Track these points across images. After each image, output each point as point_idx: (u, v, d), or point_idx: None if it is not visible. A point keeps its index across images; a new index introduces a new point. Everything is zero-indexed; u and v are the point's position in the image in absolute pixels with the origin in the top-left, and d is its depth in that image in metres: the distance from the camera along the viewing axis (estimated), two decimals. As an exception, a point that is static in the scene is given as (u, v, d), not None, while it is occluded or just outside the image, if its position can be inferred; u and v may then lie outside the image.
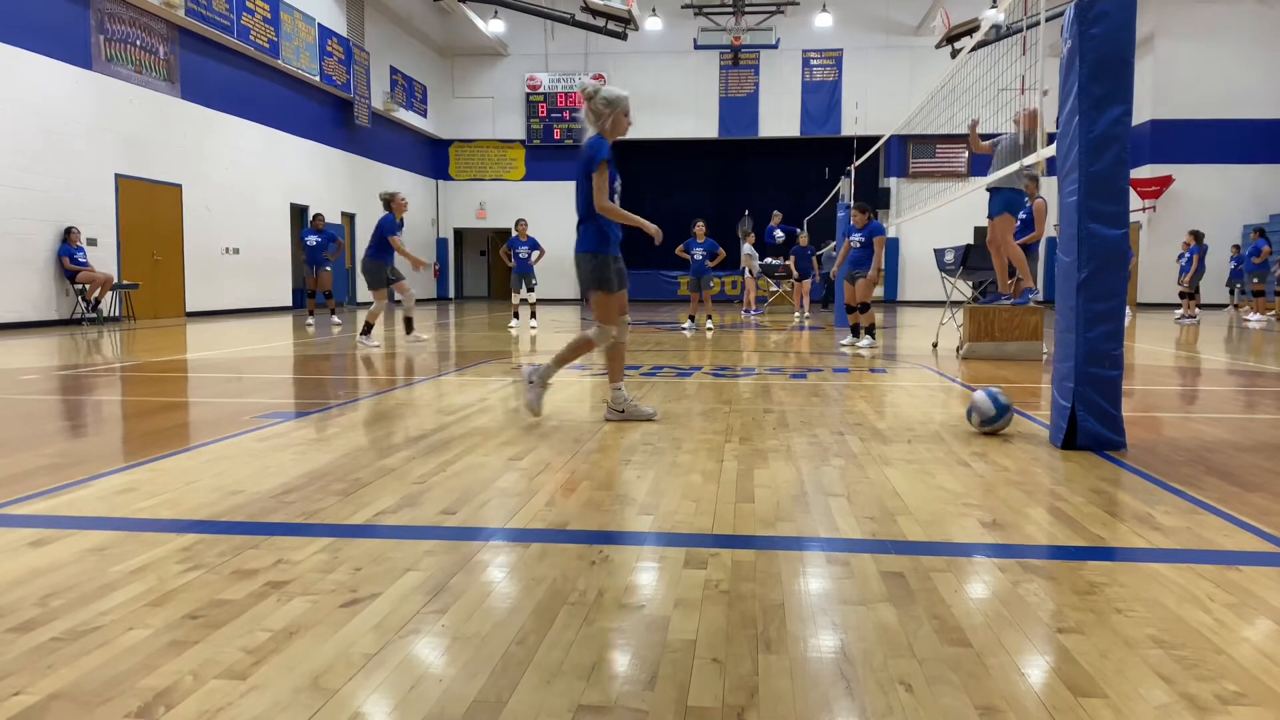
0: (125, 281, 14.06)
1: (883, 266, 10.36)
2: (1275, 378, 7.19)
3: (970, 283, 9.91)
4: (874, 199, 23.60)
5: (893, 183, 25.88)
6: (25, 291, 12.34)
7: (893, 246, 25.22)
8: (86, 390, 6.13)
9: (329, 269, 14.32)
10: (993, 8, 17.73)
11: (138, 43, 14.31)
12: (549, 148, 26.68)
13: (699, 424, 4.60)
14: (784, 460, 3.69)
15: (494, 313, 18.66)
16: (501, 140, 27.02)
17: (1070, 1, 3.86)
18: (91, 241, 13.37)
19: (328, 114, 20.52)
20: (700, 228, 13.16)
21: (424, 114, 25.59)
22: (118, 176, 13.96)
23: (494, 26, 24.46)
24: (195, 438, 4.24)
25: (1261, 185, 22.61)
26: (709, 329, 12.52)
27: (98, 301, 13.12)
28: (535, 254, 12.91)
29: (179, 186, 15.46)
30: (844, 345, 9.78)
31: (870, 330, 9.79)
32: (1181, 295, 16.96)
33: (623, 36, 21.56)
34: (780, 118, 25.78)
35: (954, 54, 20.85)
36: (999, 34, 8.01)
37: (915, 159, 25.60)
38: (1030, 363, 7.92)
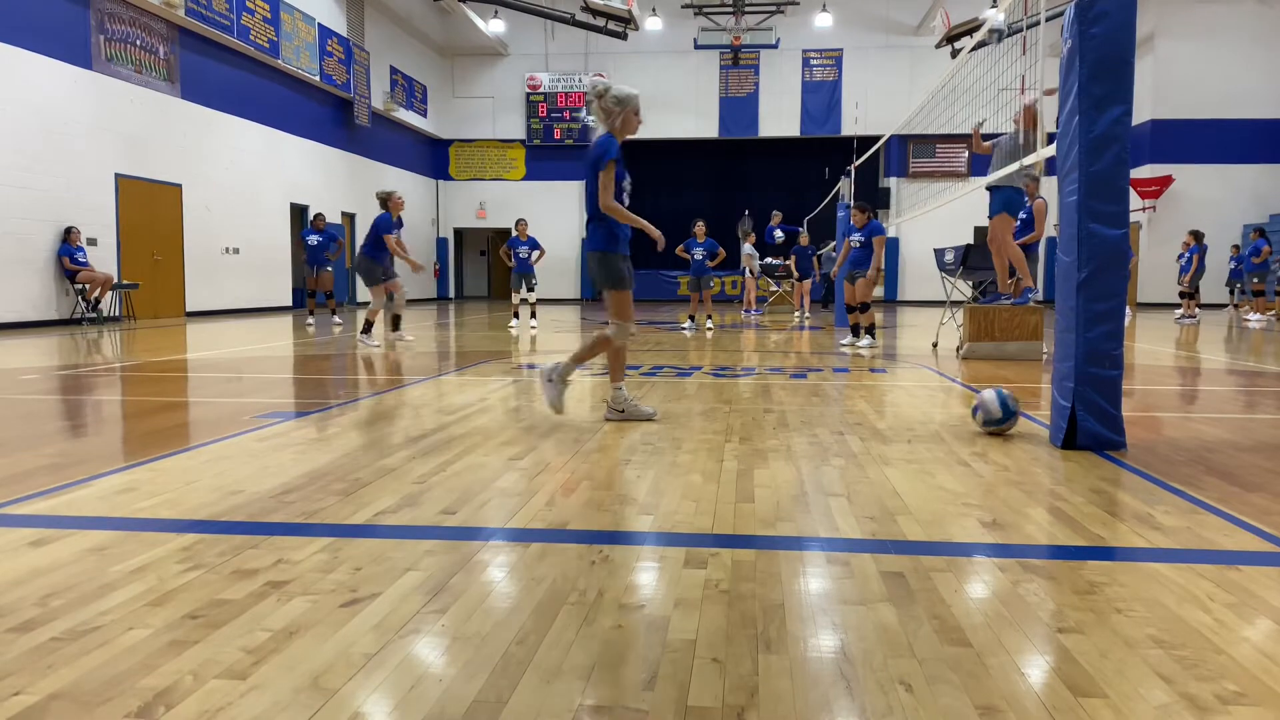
0: (125, 281, 14.07)
1: (882, 266, 10.36)
2: (1275, 378, 7.19)
3: (970, 282, 9.91)
4: (874, 199, 23.58)
5: (893, 183, 25.88)
6: (25, 291, 12.33)
7: (893, 246, 25.22)
8: (86, 390, 6.13)
9: (330, 269, 14.32)
10: (993, 7, 17.73)
11: (138, 42, 14.31)
12: (549, 148, 26.68)
13: (699, 424, 4.60)
14: (784, 460, 3.69)
15: (494, 313, 18.66)
16: (501, 140, 27.02)
17: (1070, 1, 3.86)
18: (91, 241, 13.37)
19: (328, 114, 20.52)
20: (700, 227, 13.16)
21: (424, 114, 25.59)
22: (118, 176, 13.96)
23: (494, 26, 24.46)
24: (195, 438, 4.24)
25: (1261, 185, 22.61)
26: (709, 329, 12.52)
27: (98, 301, 13.12)
28: (535, 254, 12.91)
29: (179, 186, 15.46)
30: (844, 345, 9.78)
31: (870, 330, 9.79)
32: (1181, 295, 16.96)
33: (623, 36, 21.55)
34: (780, 118, 25.78)
35: (954, 54, 20.84)
36: (1000, 38, 8.02)
37: (915, 159, 25.60)
38: (1030, 362, 7.92)
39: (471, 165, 27.33)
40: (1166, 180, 22.90)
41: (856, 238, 9.78)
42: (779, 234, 17.98)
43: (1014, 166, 7.10)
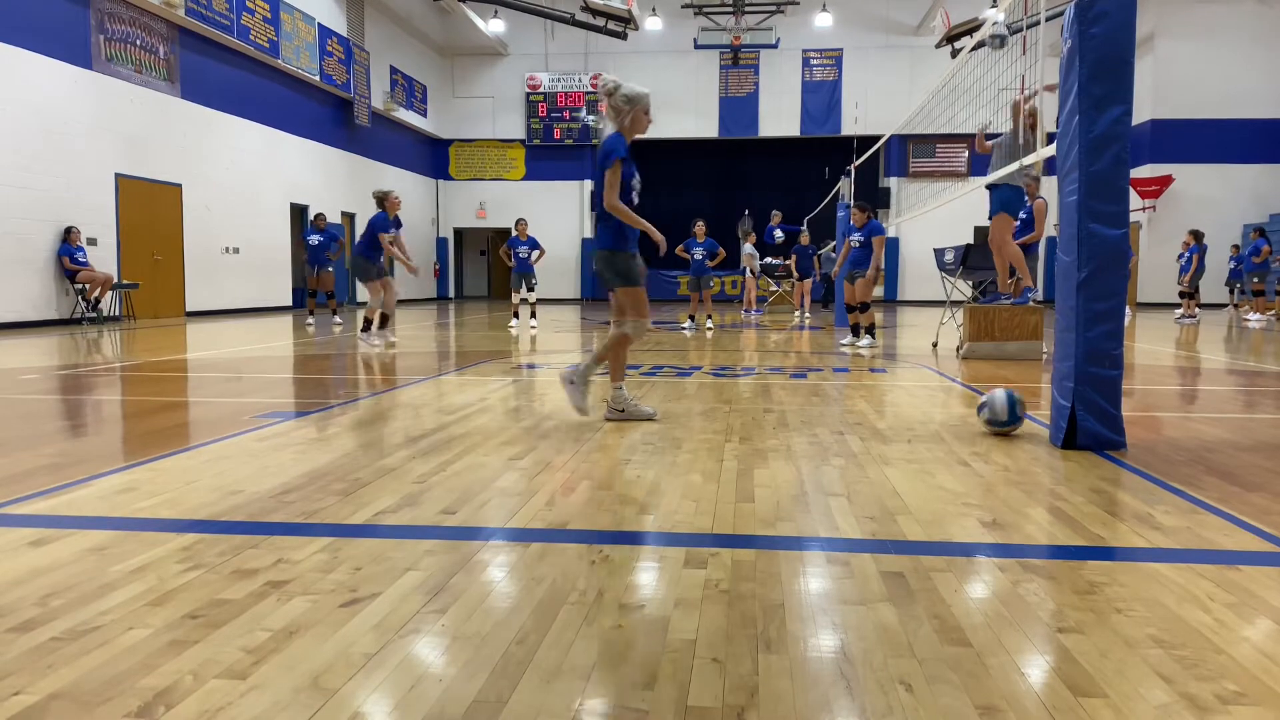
0: (125, 281, 14.07)
1: (882, 266, 10.35)
2: (1275, 377, 7.19)
3: (970, 282, 9.90)
4: (874, 199, 23.59)
5: (893, 182, 25.88)
6: (25, 291, 12.33)
7: (893, 246, 25.22)
8: (86, 390, 6.13)
9: (331, 269, 14.32)
10: (993, 7, 17.73)
11: (138, 42, 14.31)
12: (549, 147, 26.68)
13: (699, 424, 4.60)
14: (784, 460, 3.69)
15: (494, 312, 18.66)
16: (501, 140, 27.01)
17: (1070, 1, 3.86)
18: (91, 241, 13.37)
19: (328, 114, 20.52)
20: (700, 227, 13.16)
21: (424, 114, 25.59)
22: (118, 176, 13.96)
23: (494, 26, 24.46)
24: (195, 437, 4.24)
25: (1261, 185, 22.61)
26: (709, 329, 12.52)
27: (98, 301, 13.12)
28: (535, 254, 12.91)
29: (179, 186, 15.46)
30: (844, 345, 9.78)
31: (870, 330, 9.79)
32: (1181, 295, 16.96)
33: (623, 36, 21.55)
34: (780, 117, 25.78)
35: (954, 54, 20.84)
36: (1001, 44, 8.03)
37: (915, 159, 25.60)
38: (1030, 362, 7.92)
39: (471, 165, 27.33)
40: (1166, 180, 22.90)
41: (856, 237, 9.78)
42: (779, 234, 17.98)
43: (1014, 166, 7.10)
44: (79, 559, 2.36)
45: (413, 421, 4.67)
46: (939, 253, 10.30)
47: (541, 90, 26.38)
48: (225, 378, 6.81)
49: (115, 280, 13.70)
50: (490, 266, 29.71)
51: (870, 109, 24.74)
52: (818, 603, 2.08)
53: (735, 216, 22.94)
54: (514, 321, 13.04)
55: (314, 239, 14.12)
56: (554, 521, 2.76)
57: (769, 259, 19.14)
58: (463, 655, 1.78)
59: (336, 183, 21.09)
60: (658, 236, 4.66)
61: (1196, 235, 16.95)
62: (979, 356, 8.29)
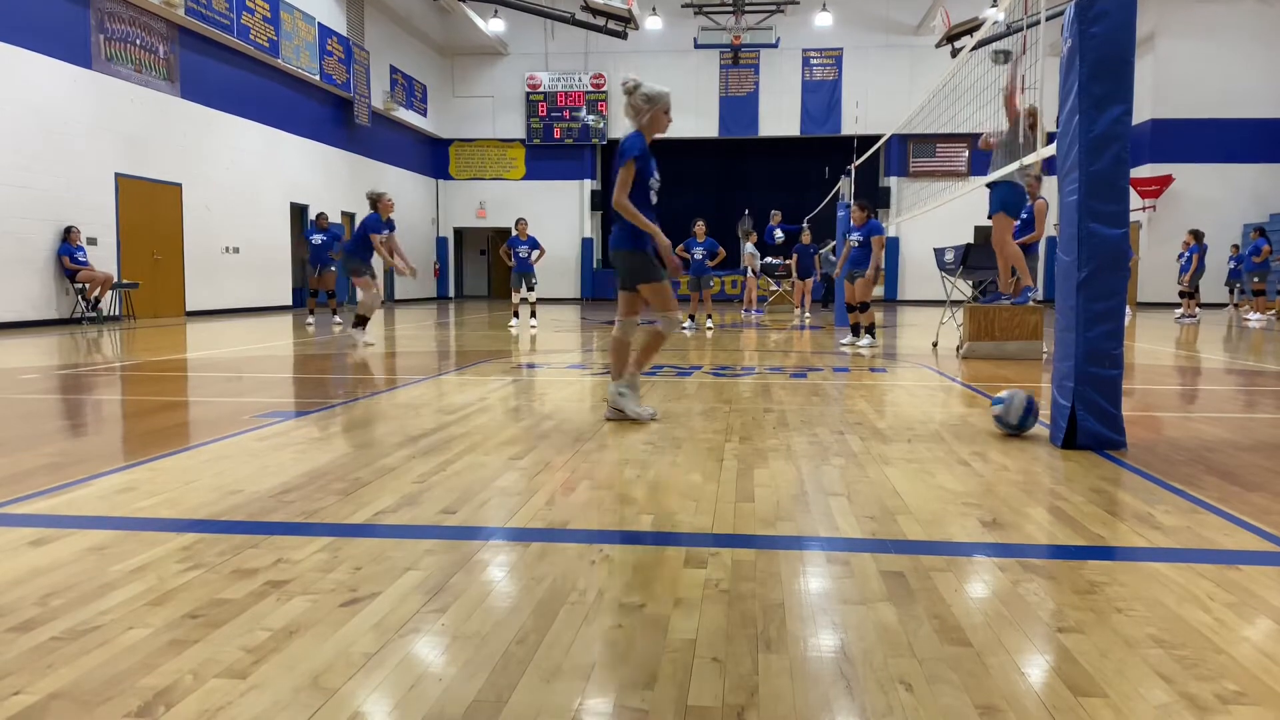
0: (125, 281, 14.06)
1: (882, 265, 10.34)
2: (1275, 377, 7.19)
3: (970, 282, 9.90)
4: (874, 198, 23.56)
5: (893, 182, 25.87)
6: (25, 291, 12.33)
7: (893, 246, 25.22)
8: (86, 389, 6.13)
9: (333, 268, 14.31)
10: (993, 6, 17.73)
11: (137, 42, 14.31)
12: (549, 147, 26.67)
13: (699, 423, 4.60)
14: (784, 459, 3.69)
15: (494, 312, 18.65)
16: (501, 140, 27.01)
17: (1070, 1, 3.86)
18: (91, 241, 13.36)
19: (328, 113, 20.52)
20: (700, 227, 13.16)
21: (424, 113, 25.58)
22: (118, 176, 13.95)
23: (494, 26, 24.45)
24: (195, 437, 4.24)
25: (1261, 185, 22.61)
26: (709, 328, 12.52)
27: (97, 301, 13.12)
28: (535, 253, 12.91)
29: (179, 186, 15.45)
30: (844, 344, 9.78)
31: (870, 329, 9.79)
32: (1181, 294, 16.96)
33: (623, 36, 21.54)
34: (780, 117, 25.77)
35: (954, 53, 20.84)
36: (1004, 59, 8.06)
37: (915, 158, 25.59)
38: (1030, 362, 7.92)
39: (471, 165, 27.32)
40: (1166, 180, 22.89)
41: (855, 237, 9.77)
42: (779, 234, 17.99)
43: (1014, 166, 7.10)
44: (79, 559, 2.36)
45: (413, 421, 4.67)
46: (939, 252, 10.30)
47: (541, 90, 26.38)
48: (225, 377, 6.81)
49: (115, 280, 13.70)
50: (490, 266, 29.70)
51: (870, 109, 24.73)
52: (818, 602, 2.08)
53: (735, 216, 22.91)
54: (514, 321, 13.04)
55: (316, 238, 14.11)
56: (554, 521, 2.76)
57: (769, 259, 19.13)
58: (463, 655, 1.78)
59: (336, 182, 21.08)
60: (663, 241, 4.58)
61: (1196, 235, 16.95)
62: (979, 356, 8.29)
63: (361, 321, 9.58)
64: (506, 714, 1.54)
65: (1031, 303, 8.37)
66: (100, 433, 4.55)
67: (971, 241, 10.67)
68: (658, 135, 4.63)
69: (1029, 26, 8.15)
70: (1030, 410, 4.19)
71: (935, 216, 18.17)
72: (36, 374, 6.86)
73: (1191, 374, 7.67)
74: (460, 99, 26.91)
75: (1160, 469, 3.53)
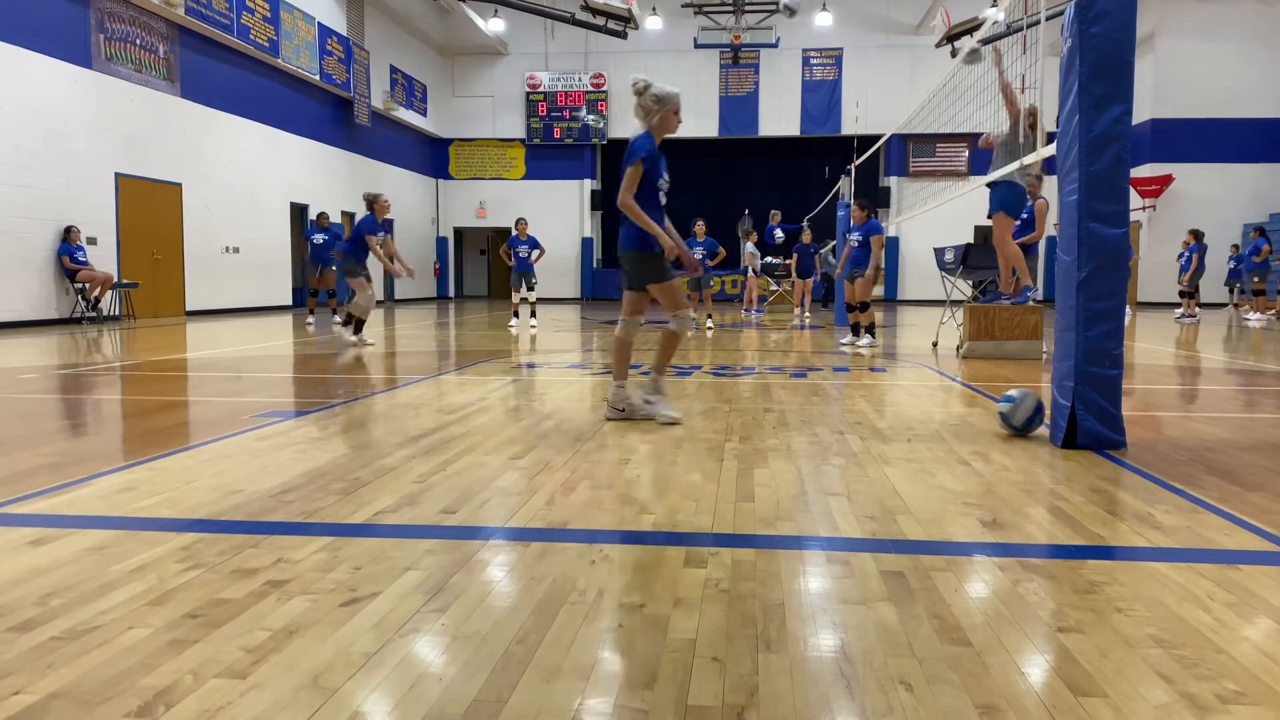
0: (125, 280, 14.06)
1: (882, 265, 10.32)
2: (1275, 377, 7.19)
3: (970, 281, 9.90)
4: (874, 198, 23.55)
5: (893, 182, 25.87)
6: (25, 290, 12.33)
7: (893, 245, 25.21)
8: (86, 389, 6.13)
9: (334, 268, 14.30)
10: (993, 6, 17.73)
11: (137, 42, 14.30)
12: (549, 147, 26.67)
13: (699, 423, 4.60)
14: (784, 459, 3.69)
15: (494, 312, 18.65)
16: (501, 139, 27.00)
17: (1070, 1, 3.85)
18: (91, 240, 13.36)
19: (328, 113, 20.51)
20: (700, 227, 13.16)
21: (424, 113, 25.58)
22: (117, 175, 13.95)
23: (494, 25, 24.45)
24: (195, 437, 4.24)
25: (1261, 184, 22.61)
26: (709, 328, 12.52)
27: (97, 300, 13.12)
28: (535, 253, 12.91)
29: (179, 186, 15.45)
30: (844, 344, 9.78)
31: (870, 329, 9.79)
32: (1181, 294, 16.96)
33: (623, 35, 21.53)
34: (780, 117, 25.77)
35: (954, 53, 20.84)
36: (974, 59, 8.10)
37: (915, 158, 25.59)
38: (1030, 362, 7.92)
39: (471, 164, 27.32)
40: (1166, 179, 22.89)
41: (855, 237, 9.77)
42: (779, 234, 17.99)
43: (1014, 166, 7.10)
44: (79, 558, 2.36)
45: (412, 421, 4.67)
46: (939, 252, 10.29)
47: (541, 89, 26.37)
48: (225, 377, 6.81)
49: (115, 280, 13.70)
50: (490, 266, 29.70)
51: (870, 108, 24.73)
52: (818, 602, 2.08)
53: (735, 216, 22.89)
54: (514, 321, 13.03)
55: (318, 238, 14.11)
56: (554, 521, 2.76)
57: (769, 258, 19.12)
58: (463, 655, 1.78)
59: (336, 182, 21.08)
60: (667, 242, 4.56)
61: (1196, 235, 16.95)
62: (979, 356, 8.29)
63: (351, 321, 9.63)
64: (506, 714, 1.54)
65: (1031, 302, 8.37)
66: (100, 432, 4.55)
67: (971, 241, 10.67)
68: (668, 135, 4.63)
69: (1029, 26, 8.15)
70: (1037, 415, 4.18)
71: (935, 216, 18.18)
72: (36, 374, 6.86)
73: (1191, 374, 7.67)
74: (460, 99, 26.90)
75: (1160, 469, 3.53)
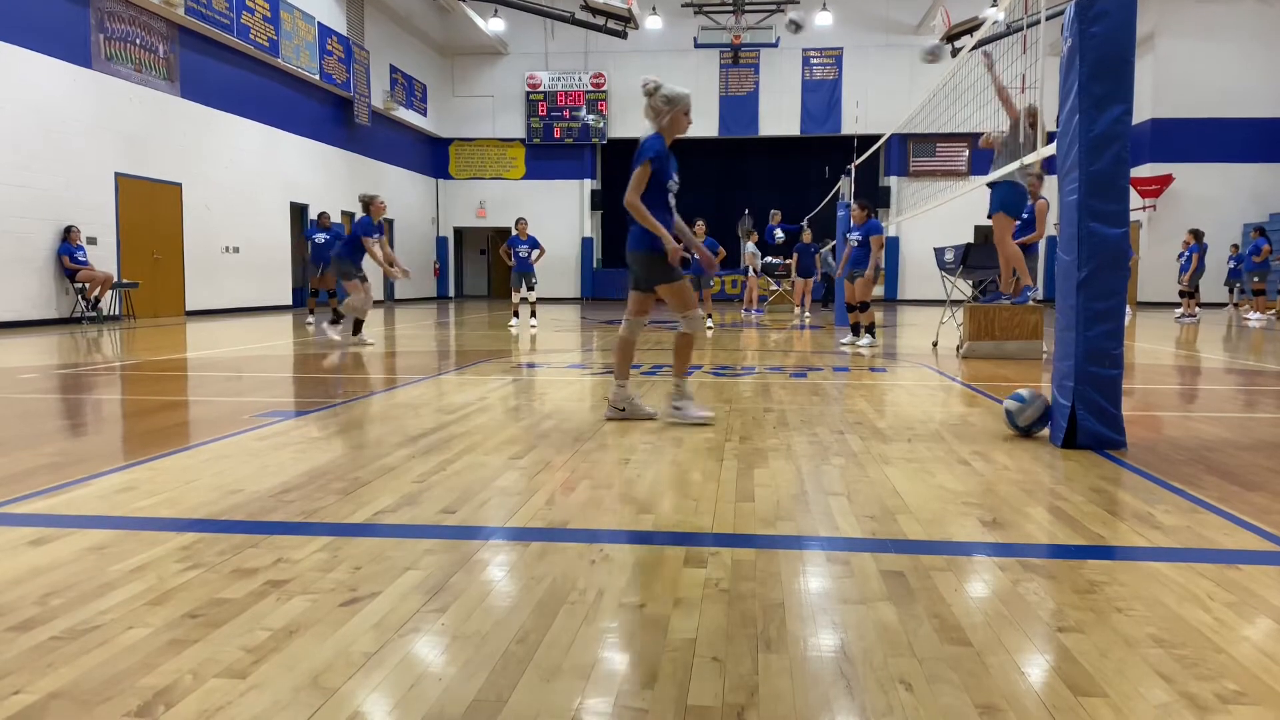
0: (125, 280, 14.06)
1: (882, 265, 10.32)
2: (1275, 377, 7.19)
3: (970, 281, 9.90)
4: (874, 198, 23.55)
5: (893, 181, 25.87)
6: (24, 290, 12.33)
7: (893, 245, 25.21)
8: (86, 389, 6.13)
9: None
10: (993, 6, 17.73)
11: (137, 41, 14.30)
12: (549, 146, 26.67)
13: (699, 423, 4.59)
14: (784, 459, 3.69)
15: (494, 312, 18.65)
16: (501, 139, 27.00)
17: (1070, 1, 3.85)
18: (91, 240, 13.36)
19: (327, 113, 20.51)
20: (700, 227, 13.14)
21: (424, 113, 25.58)
22: (117, 175, 13.95)
23: (494, 25, 24.45)
24: (195, 436, 4.24)
25: (1261, 184, 22.61)
26: (709, 328, 12.52)
27: (97, 300, 13.12)
28: (535, 253, 12.91)
29: (179, 185, 15.45)
30: (844, 344, 9.78)
31: (870, 329, 9.79)
32: (1181, 294, 16.96)
33: (623, 35, 21.53)
34: (780, 116, 25.77)
35: (954, 53, 20.84)
36: (933, 57, 8.12)
37: (916, 158, 25.59)
38: (1030, 361, 7.92)
39: (471, 164, 27.32)
40: (1166, 179, 22.89)
41: (854, 236, 9.77)
42: (779, 233, 17.99)
43: (1014, 166, 7.10)
44: (79, 558, 2.36)
45: (412, 421, 4.67)
46: (939, 252, 10.29)
47: (541, 89, 26.37)
48: (225, 377, 6.80)
49: (115, 279, 13.70)
50: (490, 266, 29.70)
51: (870, 108, 24.73)
52: (818, 602, 2.08)
53: (735, 216, 22.89)
54: (514, 321, 13.03)
55: (319, 237, 14.10)
56: (554, 521, 2.76)
57: (769, 258, 19.12)
58: (462, 654, 1.78)
59: (336, 182, 21.08)
60: (671, 244, 4.54)
61: (1196, 234, 16.94)
62: (979, 356, 8.29)
63: (340, 319, 9.64)
64: (506, 714, 1.54)
65: (1031, 302, 8.37)
66: (100, 432, 4.55)
67: (971, 241, 10.67)
68: (678, 136, 4.63)
69: (1029, 26, 8.15)
70: (1042, 420, 4.18)
71: (935, 216, 18.18)
72: (36, 373, 6.86)
73: (1191, 373, 7.67)
74: (460, 98, 26.90)
75: (1160, 469, 3.53)
